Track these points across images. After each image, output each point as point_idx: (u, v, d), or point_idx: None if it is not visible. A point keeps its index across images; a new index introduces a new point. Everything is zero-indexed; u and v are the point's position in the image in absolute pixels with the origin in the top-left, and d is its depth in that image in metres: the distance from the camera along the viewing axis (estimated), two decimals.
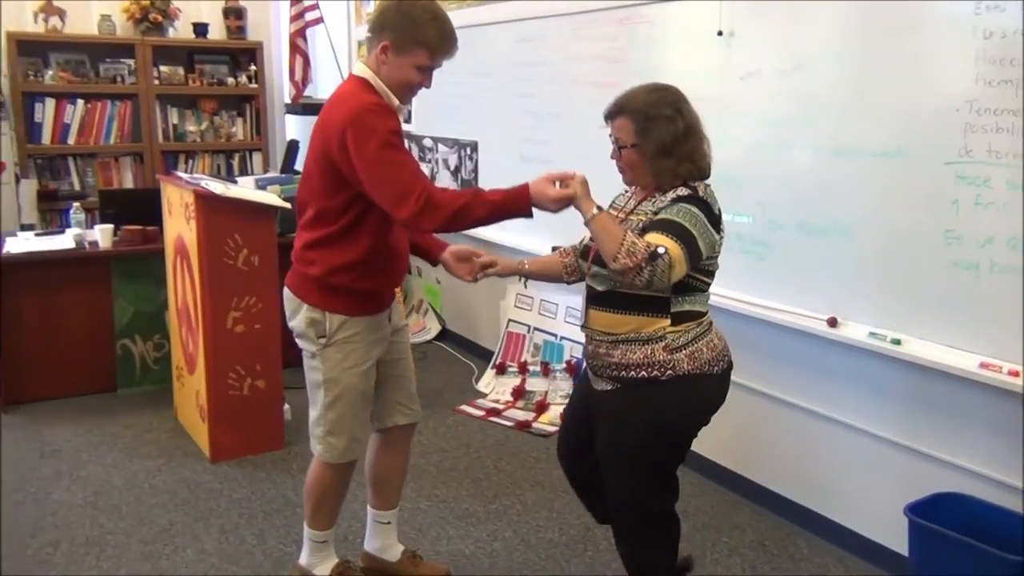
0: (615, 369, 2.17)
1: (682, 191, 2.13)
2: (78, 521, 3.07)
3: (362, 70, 2.36)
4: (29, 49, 5.49)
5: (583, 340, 2.33)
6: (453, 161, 4.94)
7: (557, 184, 2.16)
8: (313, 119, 2.49)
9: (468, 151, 4.79)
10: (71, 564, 2.80)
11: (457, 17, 4.57)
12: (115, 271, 4.22)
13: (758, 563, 2.87)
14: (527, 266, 2.52)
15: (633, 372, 2.13)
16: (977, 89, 2.35)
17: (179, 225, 3.68)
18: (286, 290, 2.48)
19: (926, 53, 2.48)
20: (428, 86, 2.37)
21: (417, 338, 5.26)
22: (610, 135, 2.22)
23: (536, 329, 4.37)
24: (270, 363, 3.60)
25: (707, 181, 2.20)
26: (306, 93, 6.00)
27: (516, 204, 2.19)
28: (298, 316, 2.42)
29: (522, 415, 4.09)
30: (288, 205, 3.41)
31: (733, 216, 3.11)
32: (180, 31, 6.00)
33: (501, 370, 4.46)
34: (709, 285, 2.23)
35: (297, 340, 2.49)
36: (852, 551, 2.88)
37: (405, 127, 5.35)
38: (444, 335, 5.29)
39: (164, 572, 2.76)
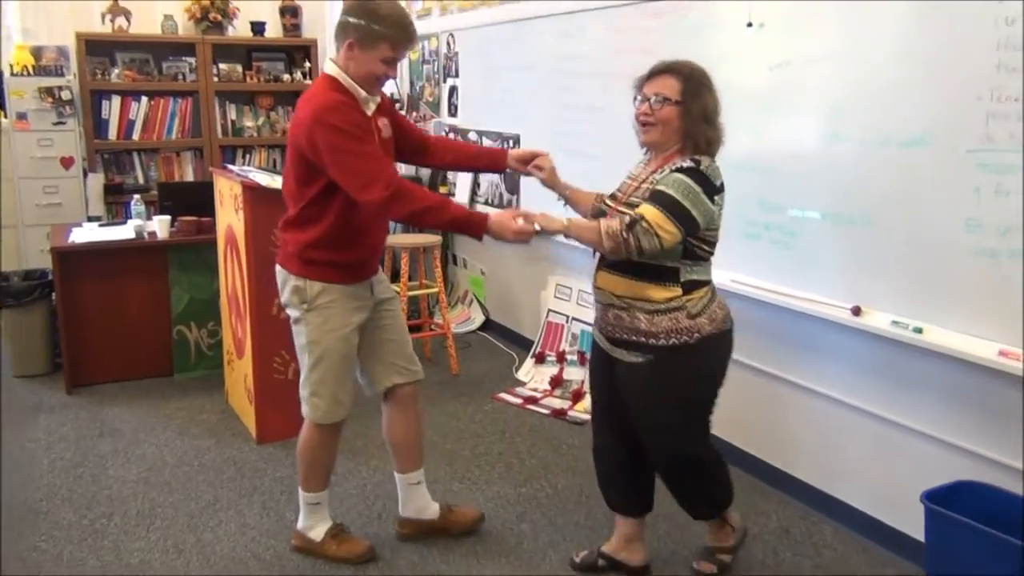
0: (644, 337, 2.38)
1: (684, 163, 2.33)
2: (131, 495, 3.25)
3: (331, 68, 2.58)
4: (97, 49, 5.76)
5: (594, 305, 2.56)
6: None
7: (520, 220, 2.40)
8: None
9: (511, 144, 4.87)
10: (123, 534, 2.98)
11: (502, 12, 4.75)
12: (172, 260, 4.42)
13: (780, 549, 2.89)
14: (568, 191, 2.74)
15: (663, 339, 2.36)
16: (999, 77, 2.34)
17: (229, 216, 3.85)
18: (277, 267, 2.74)
19: (949, 41, 2.47)
20: (394, 77, 2.71)
21: (462, 328, 5.38)
22: (639, 96, 2.42)
23: (574, 319, 4.43)
24: None
25: (714, 159, 2.39)
26: None
27: (472, 227, 2.47)
28: (286, 288, 2.68)
29: (559, 403, 4.17)
30: None
31: (763, 206, 3.16)
32: (239, 30, 6.21)
33: (540, 359, 4.54)
34: (711, 254, 2.43)
35: (286, 310, 2.74)
36: (875, 539, 2.89)
37: (450, 120, 5.50)
38: (488, 325, 5.39)
39: (209, 544, 2.92)
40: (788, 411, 3.24)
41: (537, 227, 2.38)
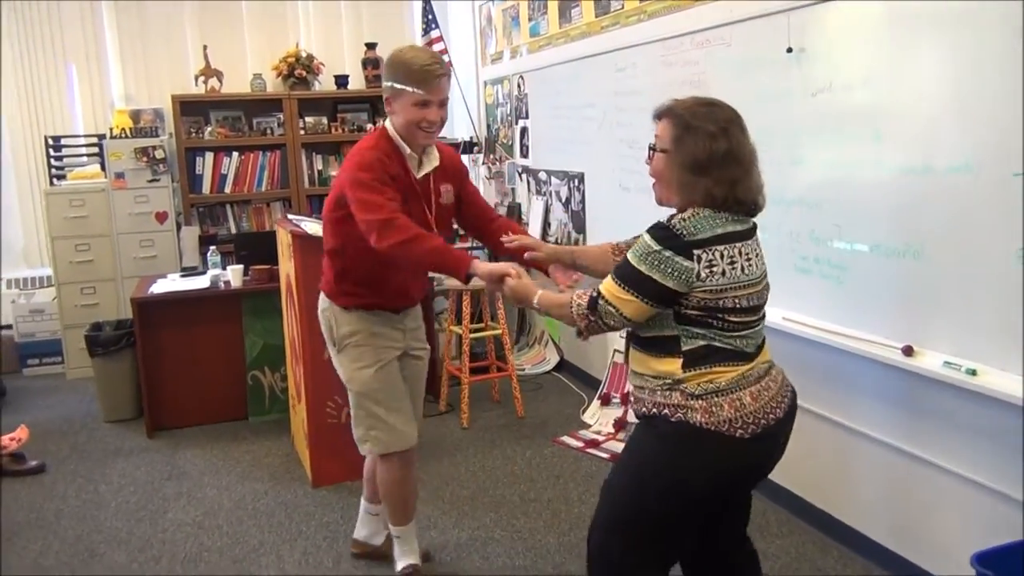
0: (640, 408, 2.07)
1: (662, 219, 2.00)
2: (183, 538, 3.34)
3: (386, 124, 2.64)
4: (191, 109, 6.09)
5: None
6: (564, 193, 4.98)
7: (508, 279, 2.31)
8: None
9: (576, 182, 4.81)
10: None
11: (563, 52, 4.72)
12: (246, 308, 4.57)
13: None
14: (574, 254, 2.51)
15: (644, 409, 2.04)
16: None
17: (287, 264, 3.95)
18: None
19: (992, 61, 2.27)
20: (434, 119, 2.56)
21: (536, 368, 5.31)
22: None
23: None
24: None
25: (703, 210, 1.96)
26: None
27: (454, 265, 2.42)
28: (320, 321, 2.80)
29: (620, 447, 4.02)
30: None
31: (813, 239, 2.98)
32: (323, 84, 6.44)
33: (606, 401, 4.42)
34: (728, 322, 1.95)
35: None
36: None
37: (522, 162, 5.50)
38: (562, 365, 5.30)
39: None
40: (848, 457, 3.01)
41: (511, 287, 2.27)
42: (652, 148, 2.07)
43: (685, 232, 1.91)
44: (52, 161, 5.86)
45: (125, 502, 3.68)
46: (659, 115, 2.07)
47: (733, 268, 1.93)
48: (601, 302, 1.98)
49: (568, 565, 3.01)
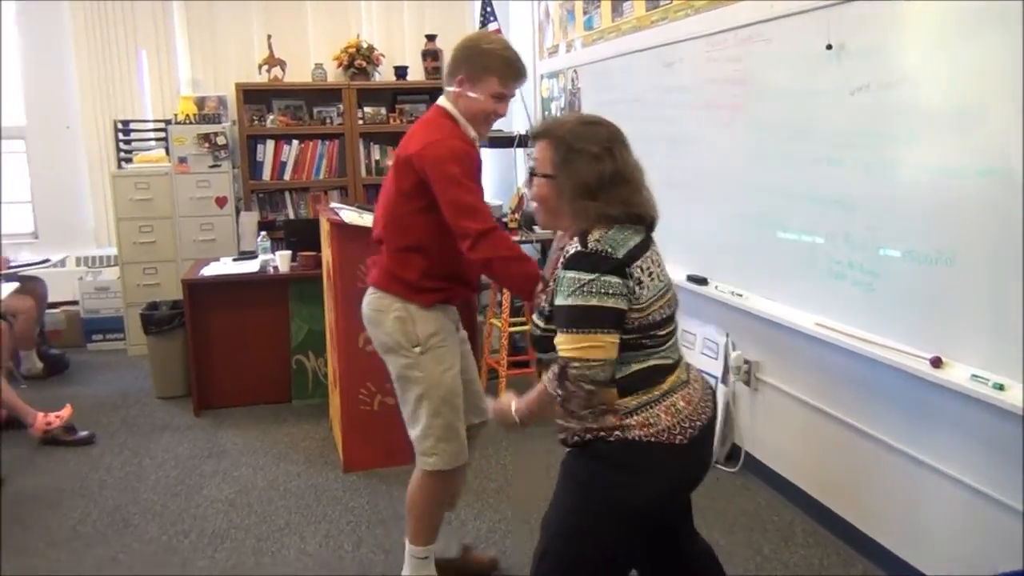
0: (568, 437, 1.93)
1: (570, 248, 1.85)
2: (213, 515, 3.43)
3: (444, 103, 2.56)
4: (254, 97, 6.24)
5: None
6: None
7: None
8: (501, 151, 2.70)
9: None
10: (192, 552, 3.14)
11: (613, 47, 4.68)
12: (292, 293, 4.67)
13: None
14: (518, 419, 2.09)
15: (579, 435, 1.89)
16: None
17: (327, 251, 4.01)
18: (372, 289, 2.64)
19: None
20: (503, 114, 2.56)
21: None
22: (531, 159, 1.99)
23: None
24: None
25: (617, 226, 1.88)
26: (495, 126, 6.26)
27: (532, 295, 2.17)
28: (387, 315, 2.57)
29: None
30: None
31: (849, 242, 2.89)
32: (383, 75, 6.52)
33: None
34: (657, 337, 1.88)
35: (387, 356, 2.63)
36: None
37: None
38: None
39: (265, 568, 3.02)
40: (872, 467, 2.91)
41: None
42: (532, 173, 1.95)
43: (609, 250, 1.82)
44: (120, 145, 6.08)
45: (164, 476, 3.81)
46: (537, 137, 1.95)
47: (651, 280, 1.88)
48: (570, 369, 1.79)
49: None
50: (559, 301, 1.82)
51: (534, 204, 1.99)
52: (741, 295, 3.54)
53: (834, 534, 3.11)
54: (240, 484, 3.72)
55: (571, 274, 1.81)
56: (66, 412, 4.24)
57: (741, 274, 3.58)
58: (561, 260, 1.87)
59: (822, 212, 3.00)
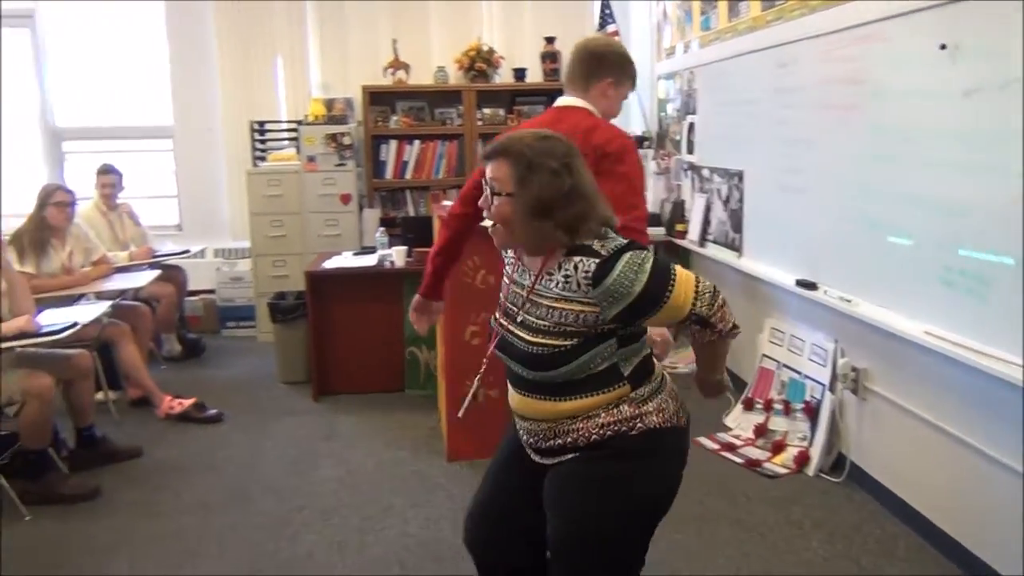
0: (576, 440, 1.90)
1: (586, 263, 1.80)
2: (325, 493, 3.64)
3: (579, 102, 2.71)
4: (379, 99, 6.51)
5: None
6: (724, 191, 4.90)
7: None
8: None
9: (736, 181, 4.72)
10: (303, 526, 3.35)
11: (729, 47, 4.67)
12: (407, 287, 4.86)
13: None
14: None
15: (597, 435, 1.87)
16: None
17: None
18: None
19: None
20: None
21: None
22: (485, 180, 1.89)
23: (784, 366, 4.17)
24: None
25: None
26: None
27: None
28: None
29: (757, 453, 3.94)
30: None
31: (963, 248, 2.80)
32: (502, 76, 6.67)
33: (748, 406, 4.32)
34: (642, 327, 1.94)
35: None
36: None
37: (688, 158, 5.46)
38: None
39: (368, 545, 3.19)
40: (983, 486, 2.81)
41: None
42: (493, 193, 1.86)
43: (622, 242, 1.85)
44: (255, 144, 6.46)
45: (283, 456, 4.06)
46: (494, 154, 1.87)
47: None
48: (703, 290, 1.85)
49: (673, 561, 3.02)
50: (639, 289, 1.77)
51: (491, 224, 1.91)
52: (850, 301, 3.47)
53: (938, 550, 3.01)
54: (351, 466, 3.92)
55: (622, 266, 1.78)
56: (188, 402, 4.56)
57: (851, 279, 3.50)
58: (587, 277, 1.79)
59: (933, 217, 2.91)
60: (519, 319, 1.91)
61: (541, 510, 1.96)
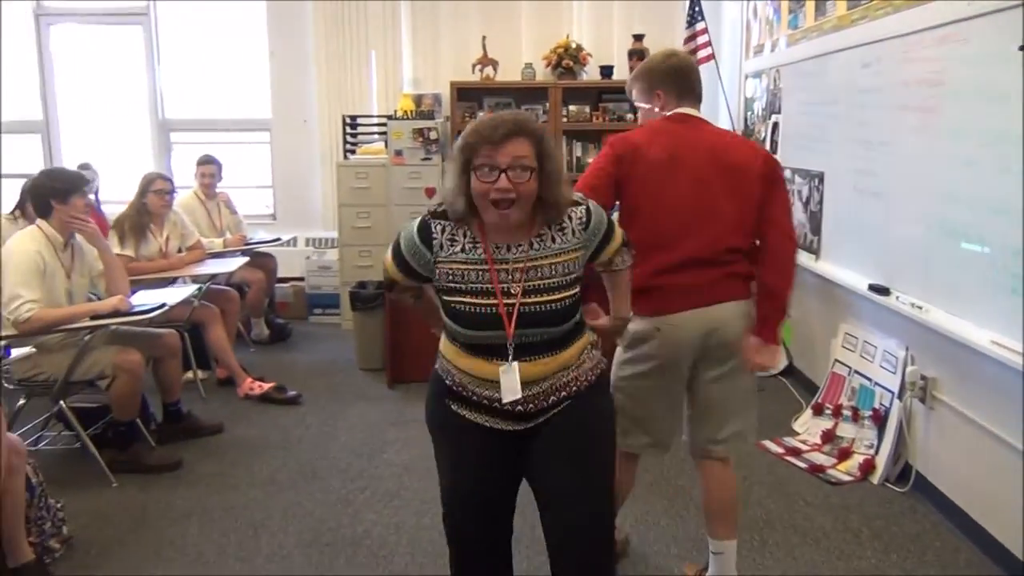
0: (572, 390, 2.14)
1: (584, 206, 2.11)
2: (389, 476, 3.78)
3: (700, 115, 2.73)
4: (467, 95, 6.64)
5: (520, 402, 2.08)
6: (804, 193, 4.81)
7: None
8: None
9: (816, 182, 4.63)
10: (364, 505, 3.49)
11: (814, 46, 4.61)
12: None
13: None
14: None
15: (587, 380, 2.16)
16: None
17: None
18: (726, 303, 2.59)
19: None
20: None
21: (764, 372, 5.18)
22: (485, 166, 1.93)
23: (856, 372, 4.08)
24: None
25: None
26: None
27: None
28: (743, 318, 2.63)
29: (822, 459, 3.87)
30: None
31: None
32: (589, 74, 6.70)
33: (818, 411, 4.24)
34: None
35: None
36: None
37: None
38: (790, 370, 5.13)
39: (424, 527, 3.30)
40: None
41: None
42: (524, 168, 1.92)
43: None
44: (347, 137, 6.69)
45: (353, 438, 4.22)
46: (510, 134, 1.92)
47: None
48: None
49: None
50: (606, 219, 2.15)
51: (497, 206, 1.94)
52: (921, 307, 3.37)
53: (1000, 567, 2.91)
54: (416, 452, 4.04)
55: (592, 206, 2.13)
56: (268, 385, 4.78)
57: (923, 285, 3.41)
58: (581, 222, 2.07)
59: (1007, 224, 2.81)
60: (526, 287, 2.02)
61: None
